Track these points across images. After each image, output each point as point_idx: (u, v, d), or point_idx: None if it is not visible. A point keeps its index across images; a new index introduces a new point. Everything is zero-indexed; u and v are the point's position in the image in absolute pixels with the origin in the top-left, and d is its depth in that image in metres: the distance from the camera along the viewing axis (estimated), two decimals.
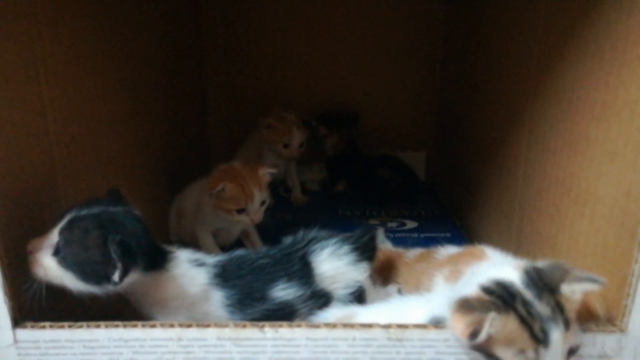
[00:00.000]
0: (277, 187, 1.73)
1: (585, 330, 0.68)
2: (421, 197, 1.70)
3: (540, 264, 0.68)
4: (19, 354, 0.71)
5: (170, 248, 0.83)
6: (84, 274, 0.71)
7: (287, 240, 0.93)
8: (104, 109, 1.00)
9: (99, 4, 0.97)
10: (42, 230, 0.74)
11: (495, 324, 0.61)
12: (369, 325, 0.69)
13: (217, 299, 0.82)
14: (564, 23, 0.87)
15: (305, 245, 0.90)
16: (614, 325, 0.69)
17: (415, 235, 1.40)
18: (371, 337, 0.69)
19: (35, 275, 0.72)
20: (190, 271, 0.82)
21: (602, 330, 0.68)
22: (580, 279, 0.64)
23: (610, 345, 0.68)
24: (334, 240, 0.91)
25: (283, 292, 0.85)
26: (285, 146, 1.59)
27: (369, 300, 0.91)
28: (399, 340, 0.69)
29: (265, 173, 1.22)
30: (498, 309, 0.62)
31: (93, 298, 0.75)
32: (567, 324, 0.62)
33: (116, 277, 0.70)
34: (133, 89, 1.14)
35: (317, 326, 0.70)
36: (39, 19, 0.79)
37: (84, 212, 0.73)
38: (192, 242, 1.29)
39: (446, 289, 0.84)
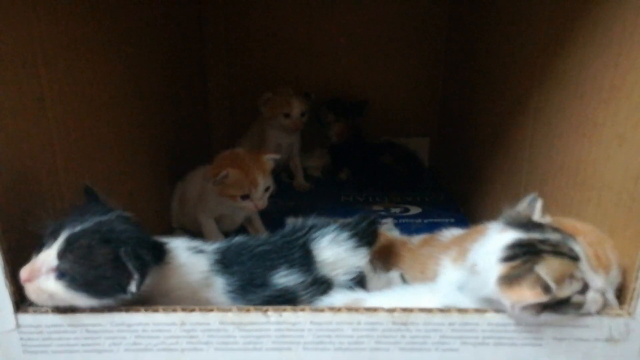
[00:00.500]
0: (279, 173, 1.72)
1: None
2: (425, 183, 1.69)
3: (509, 213, 0.74)
4: (21, 339, 0.71)
5: (165, 239, 0.81)
6: (97, 291, 0.68)
7: (287, 227, 0.92)
8: (103, 94, 0.98)
9: None
10: (41, 215, 0.71)
11: (548, 271, 0.62)
12: (374, 309, 0.69)
13: (219, 286, 0.81)
14: (571, 5, 0.86)
15: (306, 233, 0.90)
16: (621, 309, 0.68)
17: (419, 220, 1.39)
18: (376, 321, 0.69)
19: (37, 303, 0.69)
20: (190, 259, 0.81)
21: (609, 314, 0.68)
22: (527, 207, 0.74)
23: (617, 329, 0.67)
24: (333, 227, 0.91)
25: (284, 278, 0.84)
26: (287, 116, 1.58)
27: (370, 286, 0.91)
28: (404, 324, 0.69)
29: (269, 159, 1.22)
30: (536, 260, 0.64)
31: None
32: None
33: (133, 287, 0.68)
34: (133, 74, 1.13)
35: (322, 310, 0.70)
36: (36, 2, 0.77)
37: (78, 228, 0.69)
38: (194, 229, 1.28)
39: (455, 271, 0.84)
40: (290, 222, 0.94)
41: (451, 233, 0.99)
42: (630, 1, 0.70)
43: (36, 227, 0.70)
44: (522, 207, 0.76)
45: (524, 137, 1.06)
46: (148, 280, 0.71)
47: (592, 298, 0.66)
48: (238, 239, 0.89)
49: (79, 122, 0.90)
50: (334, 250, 0.89)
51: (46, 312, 0.70)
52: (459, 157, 1.60)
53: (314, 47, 1.81)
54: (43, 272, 0.67)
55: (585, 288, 0.65)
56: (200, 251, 0.83)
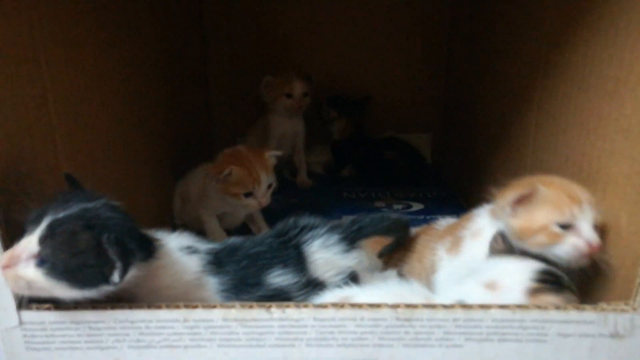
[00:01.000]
0: (281, 170, 1.72)
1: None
2: (427, 178, 1.68)
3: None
4: (25, 336, 0.70)
5: (156, 235, 0.79)
6: (78, 280, 0.65)
7: (279, 226, 0.92)
8: (104, 90, 0.98)
9: None
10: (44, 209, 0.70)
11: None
12: (377, 305, 0.69)
13: (212, 286, 0.81)
14: None
15: (299, 234, 0.89)
16: (626, 304, 0.68)
17: (421, 217, 1.38)
18: (379, 317, 0.68)
19: (16, 291, 0.66)
20: (183, 259, 0.79)
21: (614, 310, 0.67)
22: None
23: (622, 325, 0.67)
24: (323, 230, 0.90)
25: (278, 278, 0.83)
26: (289, 96, 1.56)
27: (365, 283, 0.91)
28: (408, 320, 0.68)
29: (271, 156, 1.21)
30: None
31: None
32: None
33: (116, 277, 0.65)
34: (134, 70, 1.12)
35: (325, 306, 0.69)
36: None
37: (61, 214, 0.66)
38: (196, 227, 1.28)
39: (448, 262, 0.89)
40: (282, 222, 0.93)
41: (446, 221, 1.01)
42: None
43: (20, 215, 0.68)
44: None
45: (527, 132, 1.05)
46: (134, 272, 0.68)
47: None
48: (233, 240, 0.89)
49: (81, 119, 0.90)
50: (324, 254, 0.88)
51: (49, 309, 0.70)
52: (461, 152, 1.59)
53: (317, 44, 1.80)
54: (23, 258, 0.65)
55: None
56: (194, 251, 0.82)
